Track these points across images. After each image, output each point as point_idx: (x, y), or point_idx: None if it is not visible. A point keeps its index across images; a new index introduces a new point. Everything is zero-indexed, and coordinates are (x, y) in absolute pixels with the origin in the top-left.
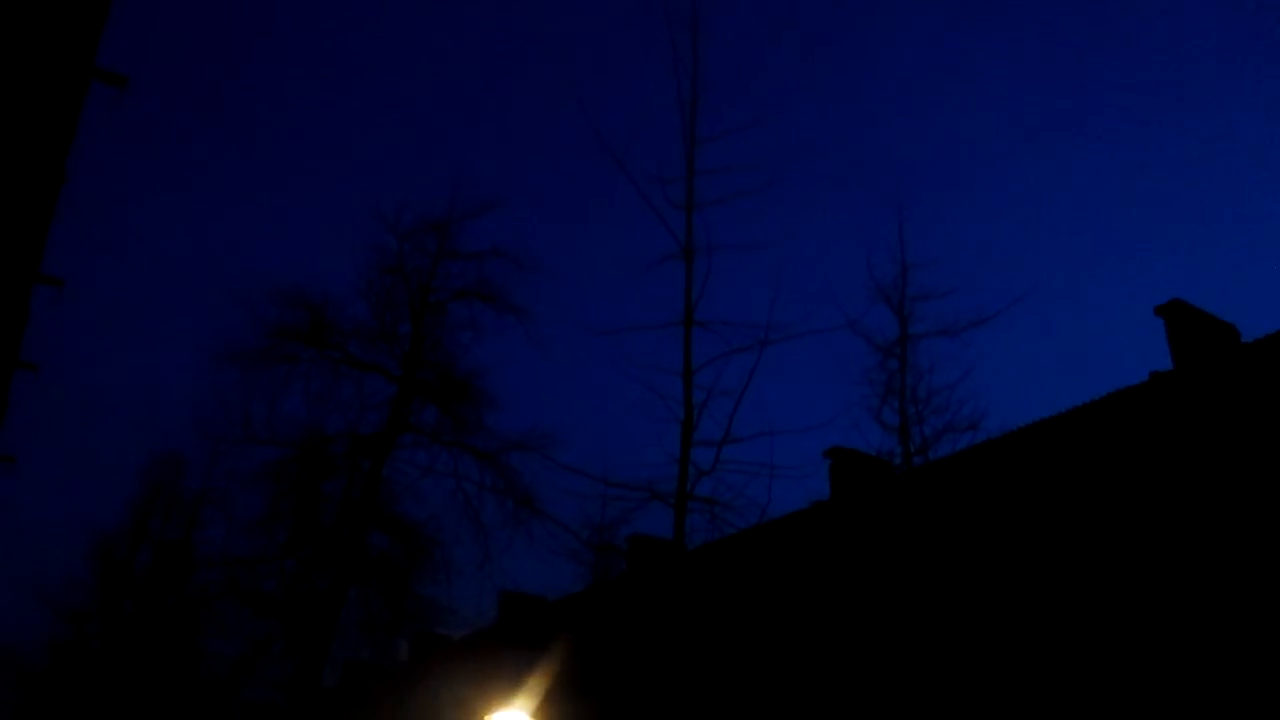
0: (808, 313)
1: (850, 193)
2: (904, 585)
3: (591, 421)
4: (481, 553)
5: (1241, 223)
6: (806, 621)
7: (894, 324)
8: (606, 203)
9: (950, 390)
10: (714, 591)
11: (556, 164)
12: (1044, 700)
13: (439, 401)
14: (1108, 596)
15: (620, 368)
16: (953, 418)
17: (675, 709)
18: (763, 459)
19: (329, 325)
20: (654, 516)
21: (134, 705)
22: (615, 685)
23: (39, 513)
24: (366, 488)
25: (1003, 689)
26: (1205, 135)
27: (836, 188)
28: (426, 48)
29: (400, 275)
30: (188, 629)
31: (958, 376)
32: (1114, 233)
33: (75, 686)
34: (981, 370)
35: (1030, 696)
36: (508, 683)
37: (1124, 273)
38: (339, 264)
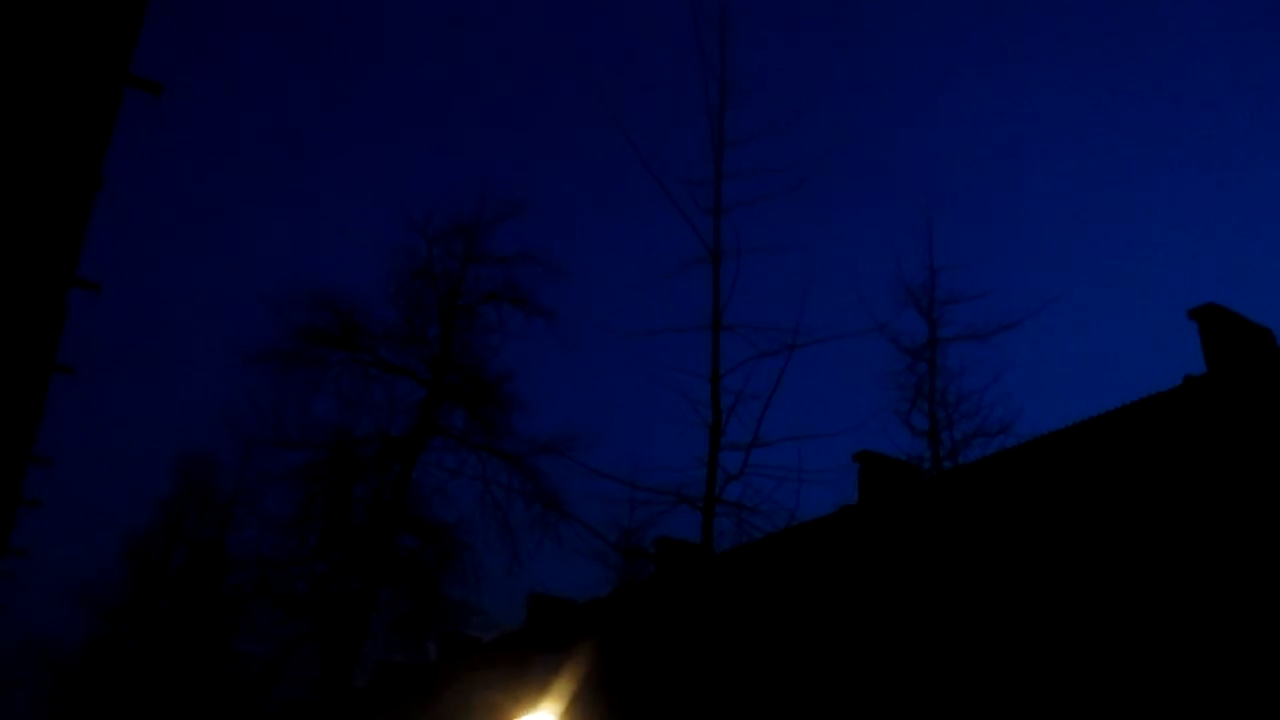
0: (836, 316)
1: (879, 195)
2: (933, 591)
3: (619, 425)
4: (510, 555)
5: (1279, 224)
6: (834, 626)
7: (923, 327)
8: (634, 206)
9: (980, 394)
10: (742, 595)
11: (584, 168)
12: (1076, 706)
13: (467, 405)
14: (1141, 604)
15: (648, 371)
16: (983, 422)
17: (703, 713)
18: (791, 463)
19: (359, 329)
20: (681, 520)
21: (167, 703)
22: (643, 688)
23: (75, 513)
24: (396, 490)
25: (1032, 695)
26: (1242, 137)
27: (865, 190)
28: (455, 53)
29: (429, 279)
30: (221, 629)
31: (988, 380)
32: (1147, 235)
33: (110, 684)
34: (1012, 374)
35: (1061, 703)
36: (536, 685)
37: (1157, 275)
38: (369, 268)
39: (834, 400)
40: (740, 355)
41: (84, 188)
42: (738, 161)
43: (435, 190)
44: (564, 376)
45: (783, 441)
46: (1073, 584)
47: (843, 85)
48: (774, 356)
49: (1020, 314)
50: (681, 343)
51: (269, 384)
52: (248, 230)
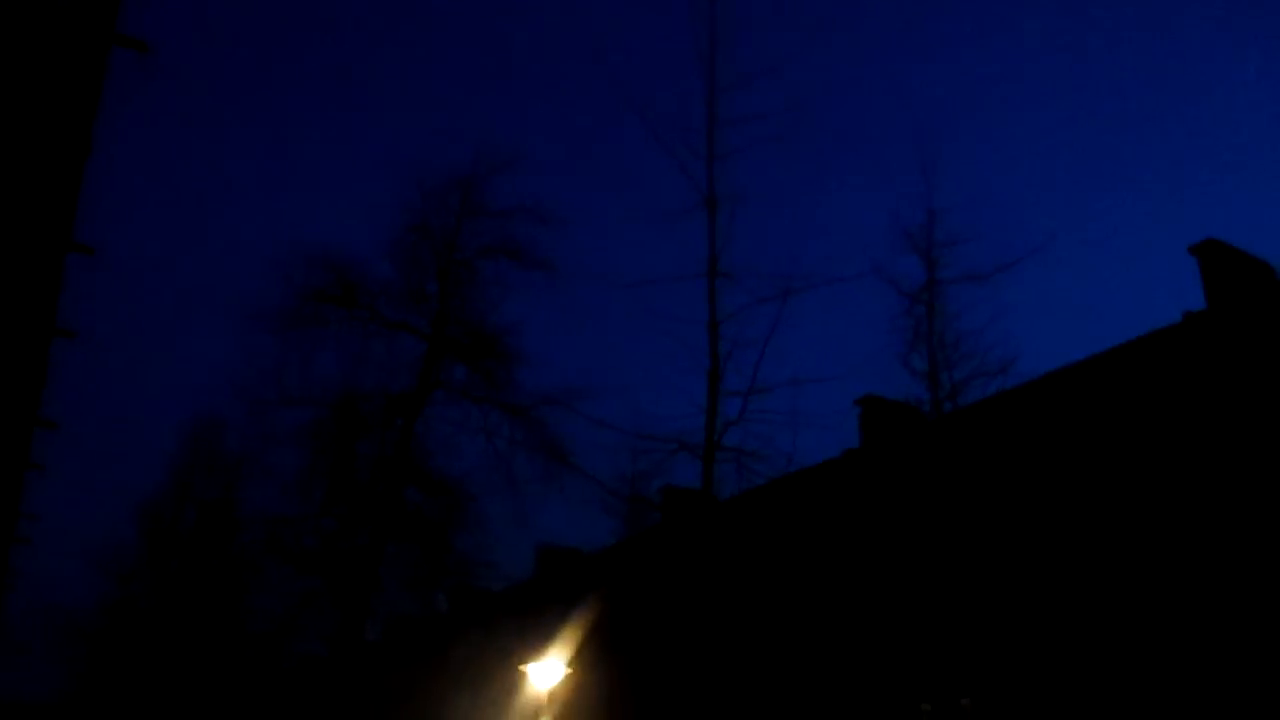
0: (833, 260)
1: (876, 138)
2: (936, 531)
3: (620, 375)
4: (516, 507)
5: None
6: (839, 568)
7: (921, 270)
8: (629, 155)
9: (979, 335)
10: (747, 540)
11: (578, 118)
12: (1073, 642)
13: (468, 359)
14: (1143, 538)
15: (646, 320)
16: (982, 362)
17: (709, 657)
18: (790, 408)
19: (358, 286)
20: (683, 468)
21: (183, 660)
22: (651, 634)
23: (84, 477)
24: (400, 445)
25: (1033, 631)
26: (1244, 75)
27: (862, 134)
28: (448, 8)
29: (426, 234)
30: (233, 586)
31: (986, 321)
32: (1148, 171)
33: (126, 643)
34: (1011, 314)
35: (1060, 638)
36: (545, 633)
37: (1158, 212)
38: (366, 224)
39: (833, 345)
40: (738, 302)
41: (75, 152)
42: (731, 107)
43: (431, 145)
44: (564, 328)
45: (781, 387)
46: (1075, 521)
47: (838, 26)
48: (771, 302)
49: (1019, 254)
50: (680, 291)
51: (271, 344)
52: (246, 191)
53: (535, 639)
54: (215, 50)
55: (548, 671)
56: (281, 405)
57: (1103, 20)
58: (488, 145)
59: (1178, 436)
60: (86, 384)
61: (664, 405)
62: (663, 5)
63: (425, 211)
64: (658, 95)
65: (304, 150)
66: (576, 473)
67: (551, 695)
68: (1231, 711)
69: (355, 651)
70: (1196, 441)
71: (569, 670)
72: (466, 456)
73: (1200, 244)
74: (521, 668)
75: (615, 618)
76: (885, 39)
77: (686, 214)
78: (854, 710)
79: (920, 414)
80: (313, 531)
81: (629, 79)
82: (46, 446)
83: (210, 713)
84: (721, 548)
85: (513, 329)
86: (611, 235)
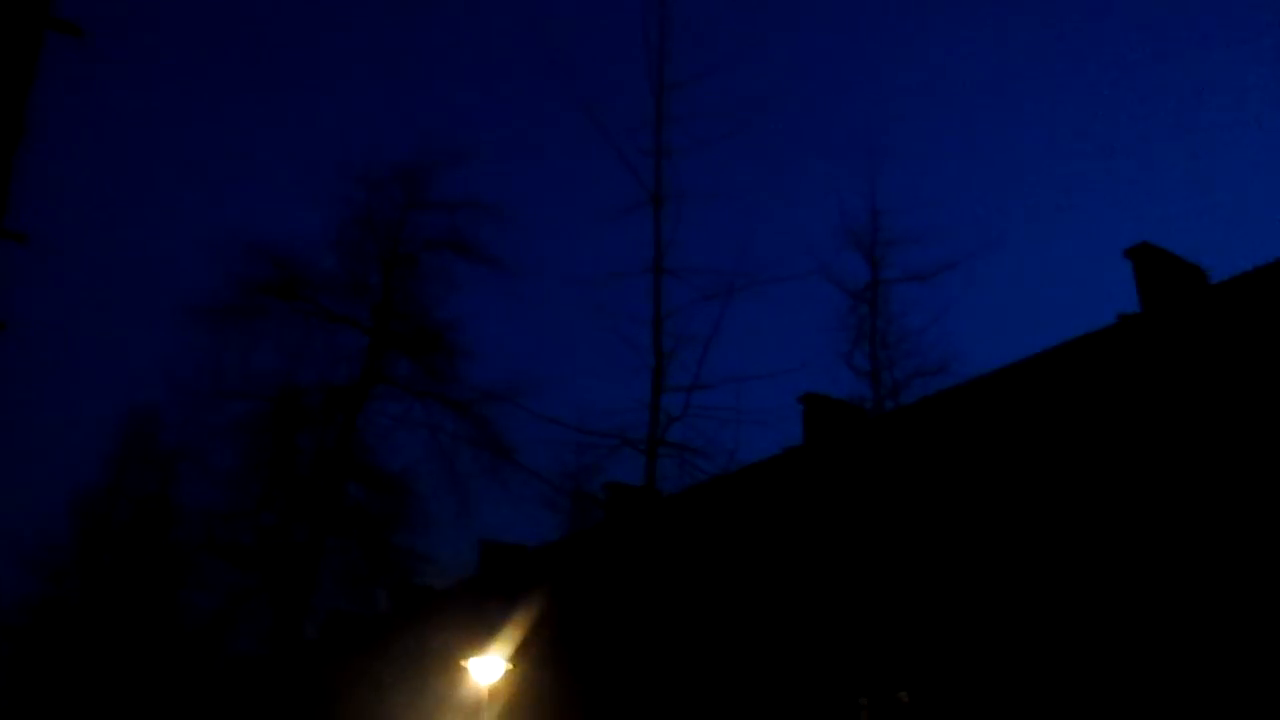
0: (778, 259)
1: (822, 139)
2: (879, 528)
3: (563, 370)
4: (458, 503)
5: (1211, 164)
6: (780, 565)
7: (865, 269)
8: (576, 151)
9: (920, 334)
10: (690, 537)
11: (524, 113)
12: (1009, 636)
13: (412, 353)
14: (1077, 535)
15: (591, 317)
16: (922, 361)
17: (652, 653)
18: (733, 405)
19: (300, 278)
20: (626, 464)
21: (117, 658)
22: (594, 630)
23: (13, 472)
24: (341, 439)
25: (971, 626)
26: (1178, 78)
27: (808, 134)
28: None
29: (369, 226)
30: (167, 583)
31: (928, 320)
32: (1084, 177)
33: (57, 642)
34: (952, 315)
35: (997, 633)
36: (488, 629)
37: (1095, 216)
38: (309, 216)
39: (777, 342)
40: (683, 299)
41: (7, 135)
42: (680, 105)
43: (376, 138)
44: (509, 323)
45: (725, 383)
46: (1011, 518)
47: (787, 26)
48: (716, 300)
49: (960, 254)
50: (625, 287)
51: (209, 336)
52: (186, 180)
53: (477, 635)
54: (156, 36)
55: (489, 667)
56: (220, 398)
57: (1043, 23)
58: (433, 138)
59: (1111, 435)
60: (18, 377)
61: (608, 401)
62: (612, 1)
63: (369, 203)
64: (605, 91)
65: (246, 140)
66: (520, 468)
67: (493, 691)
68: (1169, 700)
69: (293, 649)
70: (1129, 440)
71: (510, 666)
72: (408, 451)
73: (1134, 247)
74: (462, 663)
75: (558, 614)
76: (832, 41)
77: (633, 211)
78: (794, 705)
79: (862, 412)
80: (251, 527)
81: (577, 74)
82: None
83: (145, 711)
84: (665, 544)
85: (457, 323)
86: (558, 231)
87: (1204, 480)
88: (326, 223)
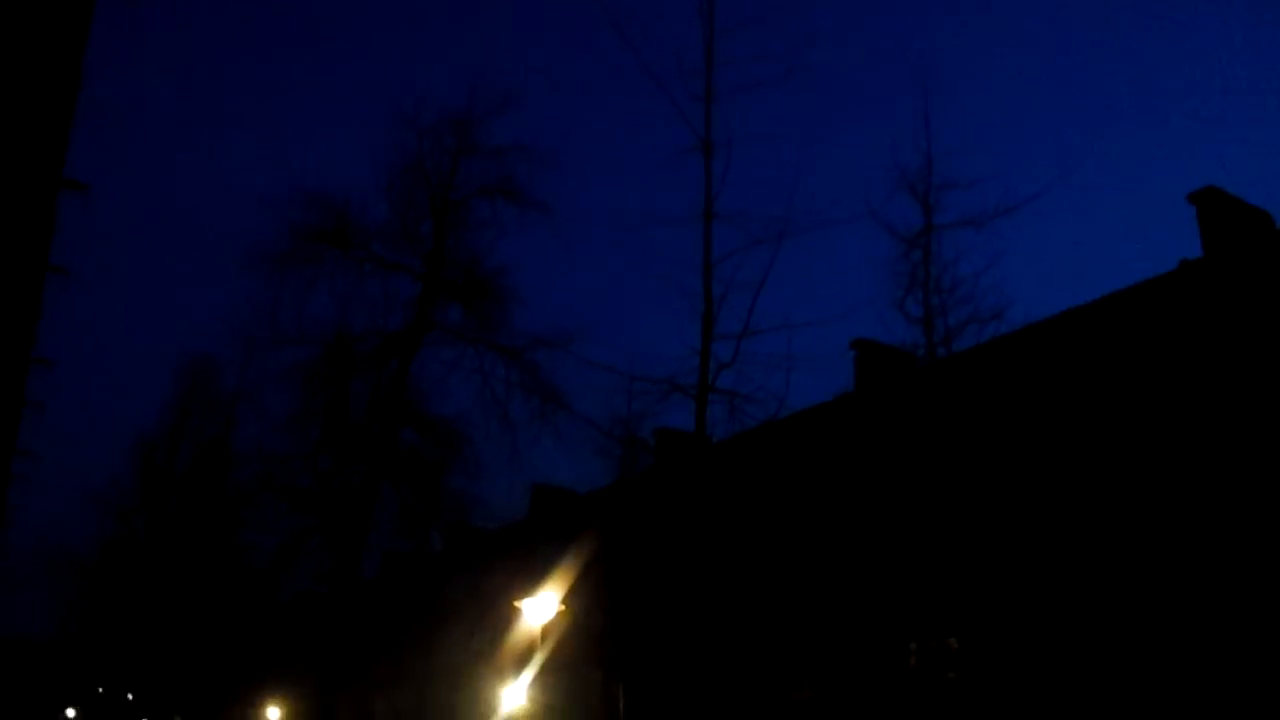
0: (830, 204)
1: (875, 82)
2: (929, 476)
3: (614, 318)
4: (510, 448)
5: None
6: (830, 511)
7: (918, 214)
8: (626, 98)
9: (975, 280)
10: (740, 482)
11: (575, 59)
12: (1060, 585)
13: (463, 299)
14: (1133, 484)
15: (641, 263)
16: (976, 308)
17: (700, 597)
18: (783, 351)
19: (352, 226)
20: (676, 410)
21: (182, 595)
22: (643, 573)
23: (80, 415)
24: (394, 386)
25: (1021, 574)
26: (1248, 15)
27: (861, 77)
28: None
29: (421, 173)
30: (229, 524)
31: (983, 266)
32: (1148, 118)
33: (125, 578)
34: (1008, 260)
35: (1048, 581)
36: (539, 571)
37: (1158, 159)
38: (362, 164)
39: (828, 289)
40: (733, 244)
41: (65, 86)
42: (730, 49)
43: (427, 85)
44: (558, 270)
45: (775, 330)
46: (1065, 466)
47: None
48: (766, 245)
49: (1017, 199)
50: (674, 234)
51: (266, 284)
52: (242, 130)
53: (529, 576)
54: None
55: (542, 607)
56: (276, 344)
57: None
58: (484, 85)
59: (1170, 384)
60: (83, 323)
61: (657, 347)
62: None
63: (420, 151)
64: (656, 37)
65: (300, 90)
66: (570, 414)
67: (545, 631)
68: (1216, 652)
69: (351, 588)
70: (1189, 389)
71: (563, 607)
72: (461, 397)
73: (1199, 191)
74: (516, 604)
75: (608, 557)
76: None
77: (683, 157)
78: (843, 650)
79: (914, 359)
80: (308, 470)
81: (627, 20)
82: (43, 384)
83: (209, 645)
84: (714, 489)
85: (507, 270)
86: (608, 178)
87: (1268, 429)
88: (378, 170)
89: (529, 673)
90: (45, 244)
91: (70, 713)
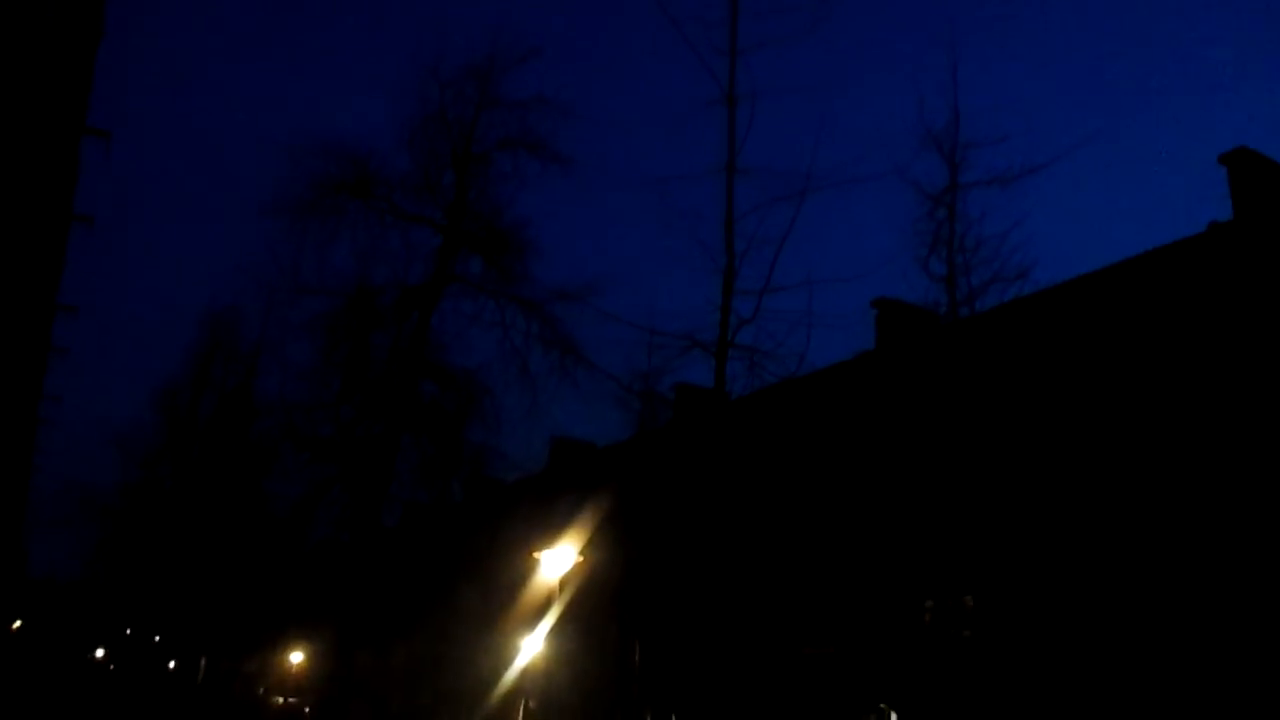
0: (854, 160)
1: (901, 36)
2: (949, 435)
3: (634, 272)
4: (530, 400)
5: None
6: (848, 469)
7: (944, 172)
8: (648, 50)
9: (1000, 240)
10: (759, 438)
11: (597, 11)
12: (1076, 545)
13: (484, 252)
14: (1153, 445)
15: (662, 218)
16: (1001, 268)
17: (717, 552)
18: (804, 309)
19: (373, 177)
20: (696, 366)
21: (206, 541)
22: (660, 527)
23: (106, 363)
24: (415, 338)
25: (1038, 534)
26: None
27: (887, 32)
28: None
29: (442, 125)
30: (252, 472)
31: (1008, 226)
32: (1179, 77)
33: (151, 524)
34: (1034, 220)
35: (1064, 542)
36: (558, 522)
37: (1188, 119)
38: (382, 115)
39: (850, 246)
40: (755, 200)
41: (86, 36)
42: (754, 1)
43: (448, 34)
44: (579, 224)
45: (796, 287)
46: (1086, 427)
47: None
48: (789, 201)
49: (1045, 158)
50: (696, 189)
51: (287, 234)
52: (263, 80)
53: (548, 528)
54: None
55: (560, 559)
56: (297, 295)
57: None
58: (505, 36)
59: (1197, 348)
60: (105, 271)
61: (677, 302)
62: None
63: (442, 103)
64: None
65: (322, 40)
66: (590, 368)
67: (563, 582)
68: (1231, 609)
69: (372, 537)
70: (1216, 353)
71: (580, 559)
72: (481, 350)
73: (1230, 152)
74: (535, 554)
75: (626, 510)
76: None
77: (706, 110)
78: (859, 607)
79: (936, 318)
80: (329, 420)
81: None
82: (68, 331)
83: (233, 591)
84: (733, 446)
85: (528, 223)
86: (630, 130)
87: None
88: (399, 122)
89: (547, 623)
90: (69, 192)
91: (99, 653)
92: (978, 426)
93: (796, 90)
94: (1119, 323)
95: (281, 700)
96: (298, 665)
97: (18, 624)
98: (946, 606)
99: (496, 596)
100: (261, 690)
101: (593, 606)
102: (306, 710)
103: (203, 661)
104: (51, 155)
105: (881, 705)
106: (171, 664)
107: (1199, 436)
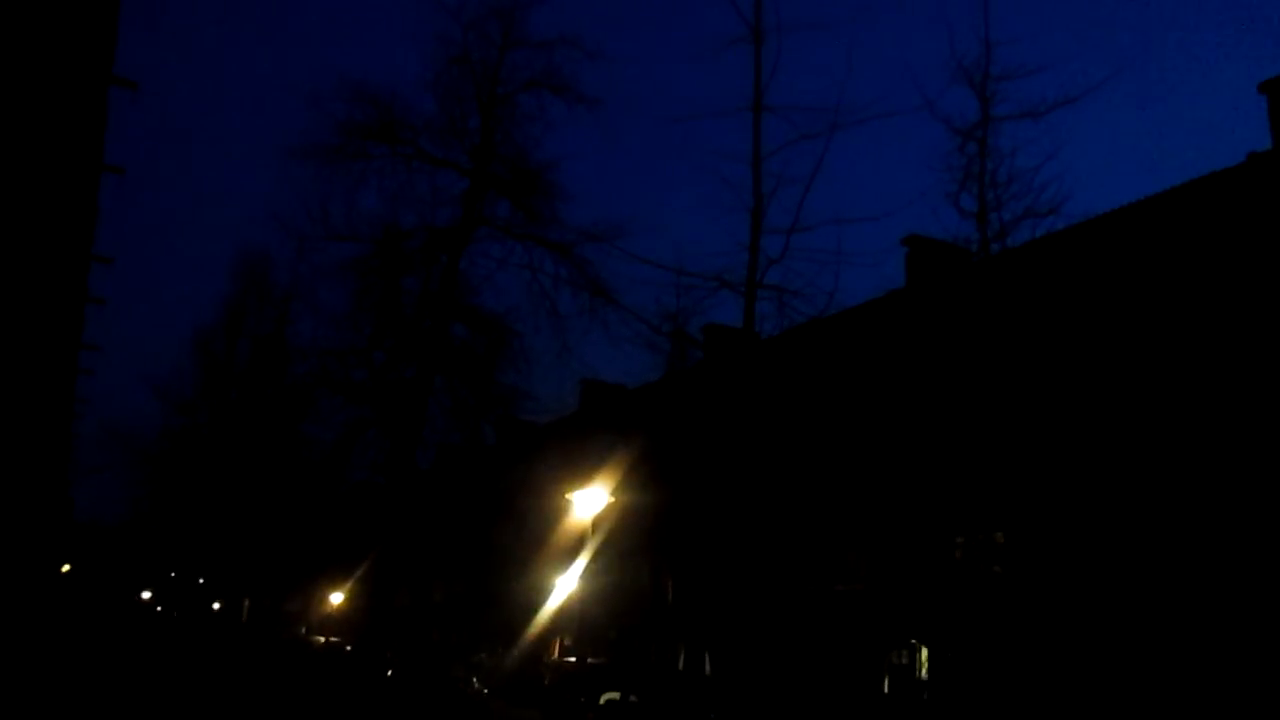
0: (882, 95)
1: None
2: (980, 373)
3: (661, 212)
4: (559, 342)
5: None
6: (879, 407)
7: (974, 106)
8: None
9: (1033, 174)
10: (789, 378)
11: None
12: (1107, 483)
13: (511, 195)
14: (1188, 379)
15: (689, 157)
16: (1033, 202)
17: (748, 492)
18: (833, 247)
19: (399, 121)
20: (725, 306)
21: (246, 485)
22: (691, 467)
23: (143, 311)
24: (444, 281)
25: (1069, 471)
26: None
27: None
28: None
29: (467, 66)
30: (288, 416)
31: (1041, 159)
32: (1215, 5)
33: (191, 468)
34: (1067, 153)
35: (1095, 479)
36: (590, 464)
37: (1225, 46)
38: (406, 56)
39: (879, 183)
40: (783, 138)
41: None
42: None
43: None
44: (606, 164)
45: (825, 225)
46: (1120, 364)
47: None
48: (817, 138)
49: (1078, 89)
50: (723, 127)
51: (314, 179)
52: (287, 25)
53: (580, 469)
54: None
55: (592, 499)
56: (327, 240)
57: None
58: None
59: (1234, 282)
60: (138, 219)
61: (705, 243)
62: None
63: (466, 44)
64: None
65: None
66: (619, 309)
67: (596, 522)
68: (1255, 544)
69: (408, 479)
70: (1251, 286)
71: (612, 499)
72: (510, 292)
73: (1270, 80)
74: (568, 495)
75: (657, 451)
76: None
77: (732, 46)
78: (890, 544)
79: (967, 254)
80: (363, 364)
81: None
82: (103, 281)
83: (274, 535)
84: (763, 385)
85: (555, 164)
86: (655, 70)
87: None
88: (424, 64)
89: (580, 562)
90: (99, 143)
91: (145, 594)
92: (1010, 363)
93: (823, 25)
94: (1154, 257)
95: (323, 640)
96: (337, 605)
97: (66, 567)
98: (977, 542)
99: (530, 536)
100: (304, 629)
101: (626, 546)
102: (347, 649)
103: (246, 602)
104: (79, 107)
105: (913, 641)
106: (216, 605)
107: (1234, 370)
